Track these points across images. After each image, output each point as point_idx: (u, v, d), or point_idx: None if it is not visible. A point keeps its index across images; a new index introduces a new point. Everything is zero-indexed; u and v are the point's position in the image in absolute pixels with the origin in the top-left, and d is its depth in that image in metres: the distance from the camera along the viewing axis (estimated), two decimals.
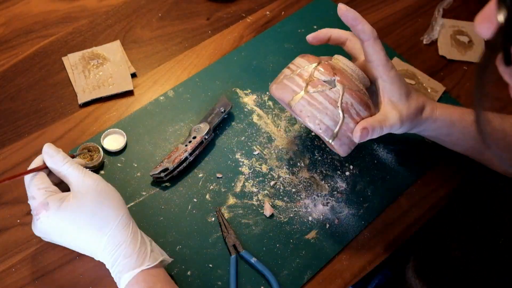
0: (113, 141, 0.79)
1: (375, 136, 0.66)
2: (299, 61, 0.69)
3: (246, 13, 0.98)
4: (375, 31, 0.66)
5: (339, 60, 0.69)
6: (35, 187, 0.63)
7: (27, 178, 0.65)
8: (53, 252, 0.70)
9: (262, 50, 0.93)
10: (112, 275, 0.63)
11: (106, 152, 0.78)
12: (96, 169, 0.77)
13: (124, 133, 0.80)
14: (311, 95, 0.64)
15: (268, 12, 0.99)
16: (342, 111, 0.64)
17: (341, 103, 0.64)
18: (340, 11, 0.65)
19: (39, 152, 0.77)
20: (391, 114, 0.68)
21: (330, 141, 0.65)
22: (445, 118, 0.73)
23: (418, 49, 0.97)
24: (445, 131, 0.75)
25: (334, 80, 0.65)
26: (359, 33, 0.66)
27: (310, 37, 0.73)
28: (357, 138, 0.65)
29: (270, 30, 0.96)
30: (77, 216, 0.62)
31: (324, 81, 0.65)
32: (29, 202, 0.63)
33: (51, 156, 0.65)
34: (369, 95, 0.70)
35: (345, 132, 0.65)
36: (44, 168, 0.66)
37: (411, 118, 0.70)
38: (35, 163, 0.66)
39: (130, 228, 0.64)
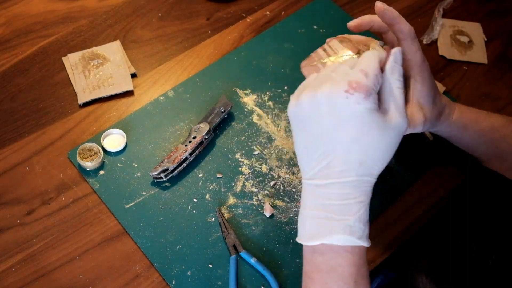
0: (113, 141, 0.79)
1: None
2: (337, 46, 0.66)
3: (246, 13, 0.98)
4: (413, 30, 0.64)
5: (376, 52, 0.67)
6: (376, 68, 0.53)
7: (377, 54, 0.55)
8: (53, 252, 0.70)
9: (262, 50, 0.93)
10: (311, 210, 0.55)
11: (106, 152, 0.78)
12: (96, 169, 0.77)
13: (124, 133, 0.80)
14: None
15: (268, 12, 0.99)
16: None
17: None
18: (378, 9, 0.63)
19: (39, 152, 0.78)
20: (417, 117, 0.67)
21: None
22: (459, 122, 0.73)
23: None
24: (458, 134, 0.75)
25: None
26: (396, 33, 0.64)
27: (352, 26, 0.68)
28: None
29: (270, 30, 0.96)
30: (374, 135, 0.52)
31: None
32: (348, 69, 0.54)
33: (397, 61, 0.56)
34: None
35: None
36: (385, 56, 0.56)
37: (432, 122, 0.69)
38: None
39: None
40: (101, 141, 0.78)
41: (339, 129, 0.52)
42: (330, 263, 0.55)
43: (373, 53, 0.55)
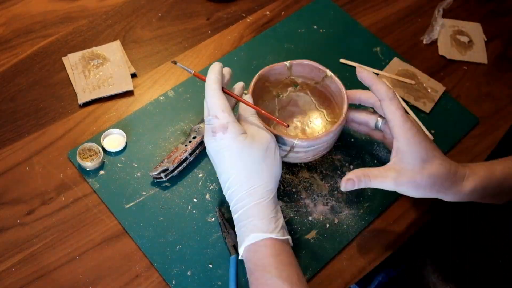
0: (113, 141, 0.79)
1: (361, 186, 0.68)
2: None
3: (246, 13, 0.98)
4: (391, 91, 0.66)
5: None
6: (220, 108, 0.65)
7: (213, 92, 0.66)
8: (53, 252, 0.70)
9: (262, 50, 0.93)
10: (236, 226, 0.65)
11: (106, 152, 0.78)
12: (96, 169, 0.77)
13: (124, 133, 0.80)
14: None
15: (268, 12, 0.99)
16: None
17: None
18: (358, 73, 0.68)
19: (39, 152, 0.78)
20: (388, 173, 0.67)
21: None
22: (474, 190, 0.69)
23: (418, 49, 0.97)
24: (477, 199, 0.72)
25: None
26: (375, 93, 0.68)
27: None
28: (342, 187, 0.68)
29: (270, 30, 0.96)
30: (246, 153, 0.64)
31: None
32: (208, 118, 0.66)
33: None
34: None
35: None
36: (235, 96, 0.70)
37: (418, 185, 0.67)
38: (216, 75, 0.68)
39: (274, 196, 0.66)
40: (101, 141, 0.78)
41: (222, 161, 0.65)
42: (254, 261, 0.63)
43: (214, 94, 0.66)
